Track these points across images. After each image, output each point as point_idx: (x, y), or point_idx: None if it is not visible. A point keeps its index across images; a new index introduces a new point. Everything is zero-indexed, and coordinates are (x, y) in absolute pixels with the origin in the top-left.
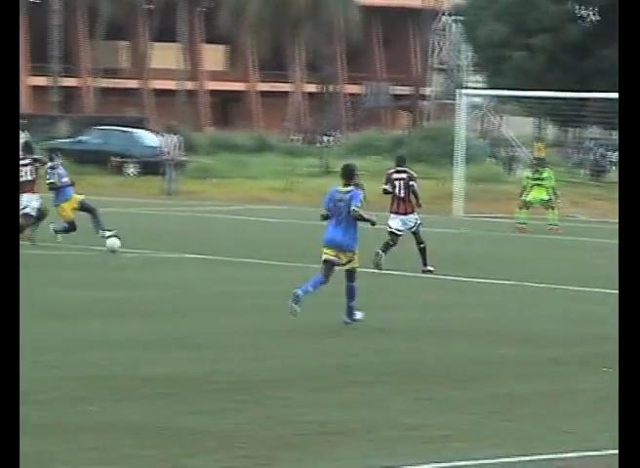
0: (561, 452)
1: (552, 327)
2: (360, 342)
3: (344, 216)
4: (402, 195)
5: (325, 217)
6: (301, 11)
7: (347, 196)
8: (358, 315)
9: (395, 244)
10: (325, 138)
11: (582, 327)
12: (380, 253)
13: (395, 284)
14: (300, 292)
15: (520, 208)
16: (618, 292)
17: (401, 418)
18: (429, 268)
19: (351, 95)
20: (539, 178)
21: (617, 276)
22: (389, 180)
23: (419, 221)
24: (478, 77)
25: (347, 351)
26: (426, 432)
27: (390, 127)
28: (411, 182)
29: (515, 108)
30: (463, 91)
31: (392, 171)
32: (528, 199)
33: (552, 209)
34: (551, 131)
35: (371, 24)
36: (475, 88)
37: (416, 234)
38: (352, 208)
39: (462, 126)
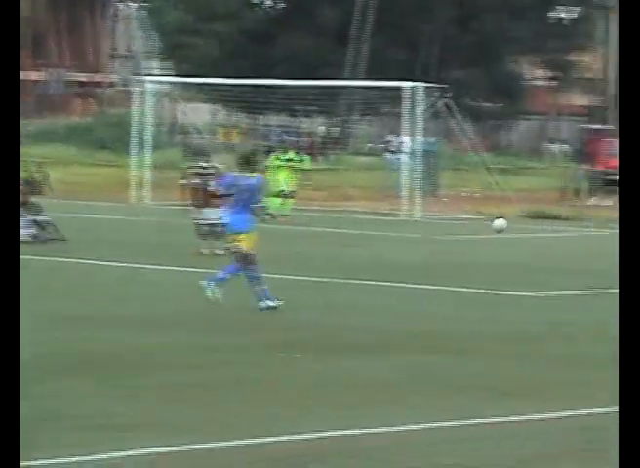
0: (251, 438)
1: (240, 314)
2: (48, 333)
3: (245, 202)
4: (212, 189)
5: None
6: None
7: (252, 183)
8: (270, 302)
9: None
10: None
11: (269, 314)
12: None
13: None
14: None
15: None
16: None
17: (93, 407)
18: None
19: (32, 81)
20: (289, 160)
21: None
22: (198, 174)
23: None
24: (160, 63)
25: (34, 341)
26: (120, 421)
27: (72, 113)
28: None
29: (197, 95)
30: (145, 77)
31: (199, 165)
32: (281, 188)
33: (290, 198)
34: (236, 117)
35: (55, 9)
36: (157, 75)
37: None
38: (259, 204)
39: (144, 113)
